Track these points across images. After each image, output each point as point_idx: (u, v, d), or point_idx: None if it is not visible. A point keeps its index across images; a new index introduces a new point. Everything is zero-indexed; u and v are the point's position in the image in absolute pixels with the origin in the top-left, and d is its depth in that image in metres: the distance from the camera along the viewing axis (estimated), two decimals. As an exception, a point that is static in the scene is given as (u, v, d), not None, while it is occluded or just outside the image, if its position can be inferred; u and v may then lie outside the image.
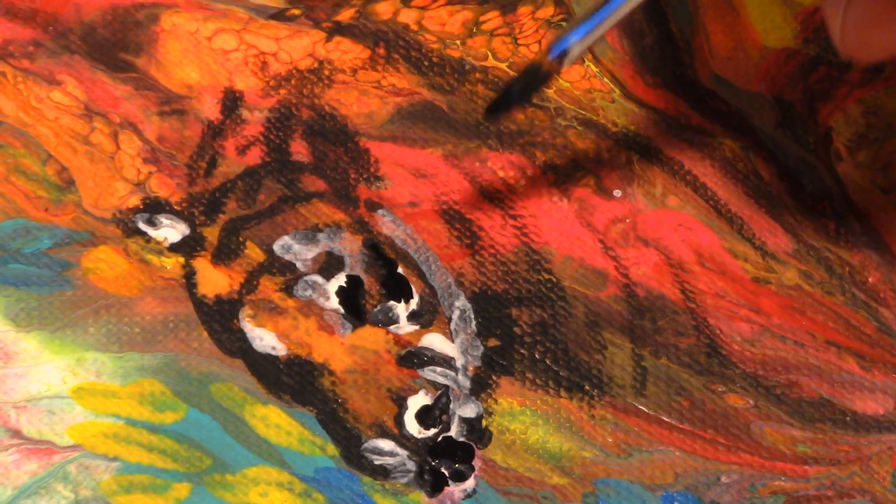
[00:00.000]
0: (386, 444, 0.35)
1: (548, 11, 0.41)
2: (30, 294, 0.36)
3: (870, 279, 0.38)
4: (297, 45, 0.41)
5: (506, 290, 0.37)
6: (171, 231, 0.37)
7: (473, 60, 0.41)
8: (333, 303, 0.37)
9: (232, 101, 0.40)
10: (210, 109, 0.39)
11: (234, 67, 0.40)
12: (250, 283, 0.37)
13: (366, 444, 0.35)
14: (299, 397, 0.35)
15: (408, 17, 0.41)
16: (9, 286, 0.36)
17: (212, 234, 0.38)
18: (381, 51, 0.41)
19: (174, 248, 0.37)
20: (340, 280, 0.37)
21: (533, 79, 0.35)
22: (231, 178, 0.39)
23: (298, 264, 0.37)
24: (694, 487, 0.35)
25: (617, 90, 0.40)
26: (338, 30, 0.41)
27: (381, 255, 0.38)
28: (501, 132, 0.40)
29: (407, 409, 0.35)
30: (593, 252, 0.38)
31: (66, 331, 0.36)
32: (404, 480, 0.34)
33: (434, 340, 0.36)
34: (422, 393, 0.36)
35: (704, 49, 0.40)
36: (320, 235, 0.38)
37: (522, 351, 0.36)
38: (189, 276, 0.37)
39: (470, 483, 0.34)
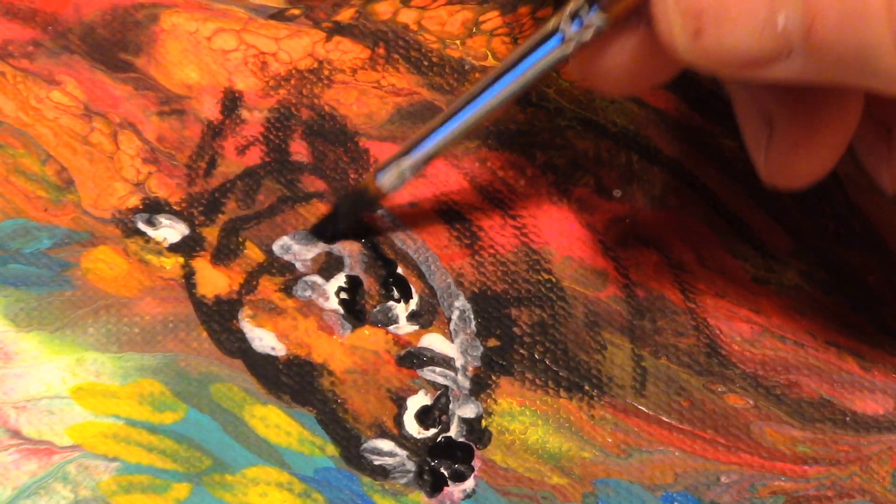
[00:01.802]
0: (385, 445, 0.35)
1: (548, 11, 0.41)
2: (29, 294, 0.36)
3: (870, 279, 0.38)
4: (297, 45, 0.41)
5: (505, 290, 0.37)
6: (170, 231, 0.37)
7: (473, 60, 0.41)
8: (333, 303, 0.37)
9: (231, 101, 0.40)
10: (210, 109, 0.39)
11: (234, 67, 0.40)
12: (250, 284, 0.37)
13: (365, 445, 0.35)
14: (299, 397, 0.35)
15: (407, 16, 0.41)
16: (8, 286, 0.36)
17: (211, 234, 0.38)
18: (381, 51, 0.41)
19: (174, 248, 0.37)
20: (340, 280, 0.37)
21: (358, 202, 0.37)
22: (230, 178, 0.39)
23: (298, 264, 0.37)
24: (694, 488, 0.35)
25: (617, 90, 0.40)
26: (337, 30, 0.41)
27: (380, 255, 0.38)
28: (501, 132, 0.40)
29: (406, 409, 0.35)
30: (593, 252, 0.38)
31: (66, 331, 0.36)
32: (404, 481, 0.34)
33: (434, 341, 0.36)
34: (421, 393, 0.36)
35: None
36: (320, 235, 0.38)
37: (522, 351, 0.36)
38: (188, 277, 0.37)
39: (469, 483, 0.34)
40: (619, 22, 0.30)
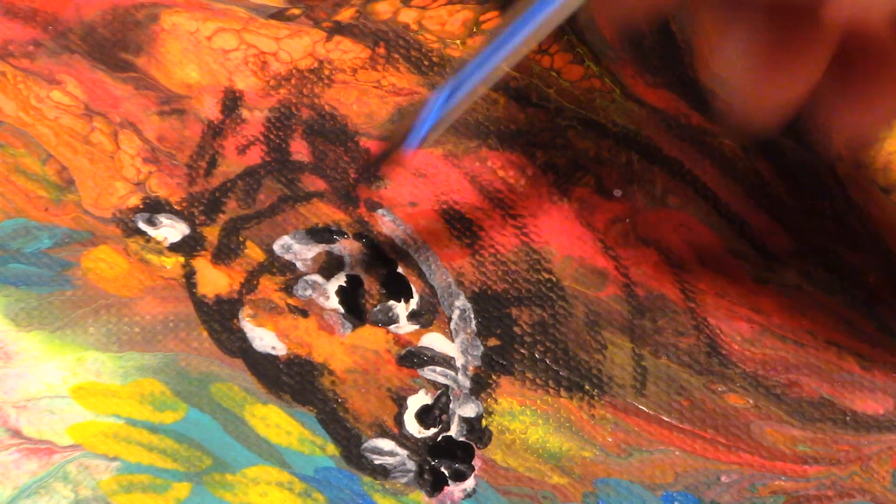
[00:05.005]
0: (386, 444, 0.35)
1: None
2: (30, 294, 0.36)
3: (870, 279, 0.38)
4: (297, 45, 0.41)
5: (506, 289, 0.37)
6: (170, 231, 0.37)
7: (473, 60, 0.41)
8: (333, 303, 0.37)
9: (232, 101, 0.40)
10: (210, 109, 0.39)
11: (234, 67, 0.40)
12: (250, 283, 0.37)
13: (366, 444, 0.35)
14: (299, 397, 0.35)
15: (408, 16, 0.41)
16: (9, 286, 0.36)
17: (212, 233, 0.38)
18: (381, 50, 0.41)
19: (174, 247, 0.37)
20: (340, 280, 0.37)
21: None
22: (231, 177, 0.39)
23: (298, 264, 0.37)
24: (694, 487, 0.35)
25: (617, 90, 0.40)
26: (338, 29, 0.41)
27: (380, 254, 0.38)
28: (501, 132, 0.40)
29: (407, 408, 0.35)
30: (593, 252, 0.38)
31: (66, 330, 0.36)
32: (404, 480, 0.34)
33: (434, 340, 0.36)
34: (422, 392, 0.36)
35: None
36: (320, 235, 0.38)
37: (522, 351, 0.36)
38: (189, 276, 0.37)
39: (470, 483, 0.34)
40: None
